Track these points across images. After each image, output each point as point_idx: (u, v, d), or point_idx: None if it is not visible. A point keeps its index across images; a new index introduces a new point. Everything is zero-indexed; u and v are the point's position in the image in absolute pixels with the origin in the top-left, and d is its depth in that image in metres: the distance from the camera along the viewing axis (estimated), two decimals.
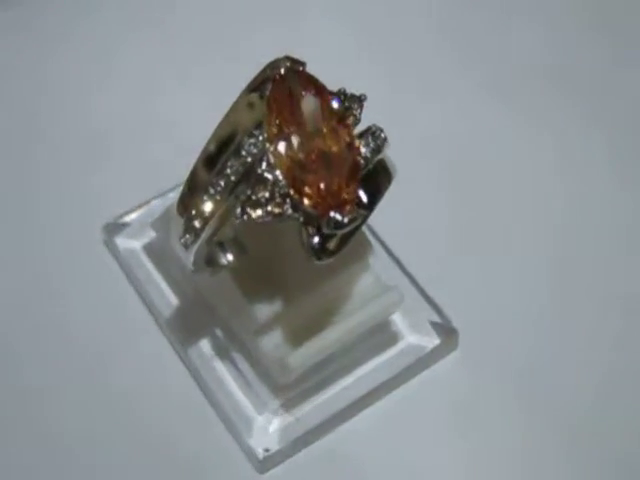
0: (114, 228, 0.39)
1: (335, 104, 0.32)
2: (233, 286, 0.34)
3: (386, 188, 0.33)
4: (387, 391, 0.36)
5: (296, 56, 0.33)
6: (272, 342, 0.34)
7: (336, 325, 0.35)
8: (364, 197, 0.33)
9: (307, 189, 0.31)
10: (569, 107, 0.43)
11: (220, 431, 0.35)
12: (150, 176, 0.40)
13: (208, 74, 0.44)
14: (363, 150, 0.32)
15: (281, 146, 0.31)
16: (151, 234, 0.38)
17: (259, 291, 0.34)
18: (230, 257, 0.34)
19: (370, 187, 0.33)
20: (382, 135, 0.32)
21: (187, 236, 0.32)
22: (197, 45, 0.45)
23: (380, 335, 0.36)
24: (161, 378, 0.36)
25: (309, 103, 0.31)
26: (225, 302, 0.35)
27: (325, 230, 0.31)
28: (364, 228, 0.34)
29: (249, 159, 0.31)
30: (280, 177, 0.31)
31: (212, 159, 0.32)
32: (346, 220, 0.31)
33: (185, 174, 0.33)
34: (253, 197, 0.31)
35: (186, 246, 0.32)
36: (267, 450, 0.34)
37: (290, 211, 0.31)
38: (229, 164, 0.31)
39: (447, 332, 0.37)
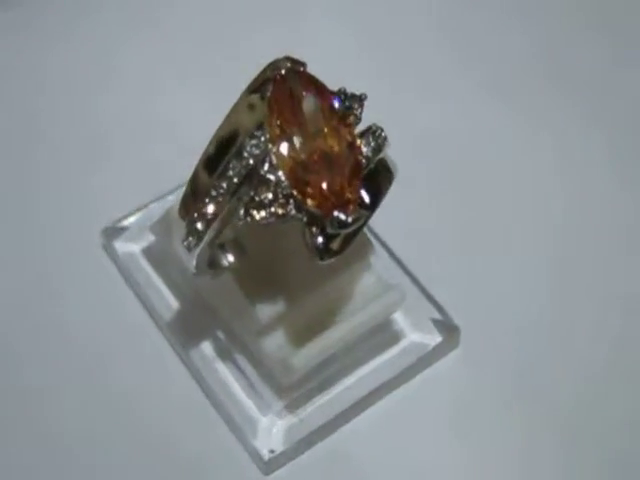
0: (113, 232, 0.39)
1: (336, 104, 0.32)
2: (235, 287, 0.34)
3: (387, 187, 0.33)
4: (389, 390, 0.36)
5: (296, 56, 0.32)
6: (275, 343, 0.34)
7: (338, 325, 0.35)
8: (366, 197, 0.32)
9: (310, 189, 0.31)
10: (569, 107, 0.43)
11: (224, 433, 0.35)
12: (149, 178, 0.40)
13: (208, 74, 0.44)
14: (364, 149, 0.32)
15: (283, 147, 0.31)
16: (150, 238, 0.38)
17: (261, 292, 0.34)
18: (231, 258, 0.34)
19: (372, 186, 0.33)
20: (382, 134, 0.32)
21: (190, 239, 0.32)
22: (197, 45, 0.45)
23: (382, 334, 0.36)
24: (163, 381, 0.36)
25: (310, 103, 0.31)
26: (227, 303, 0.35)
27: (329, 230, 0.31)
28: (364, 228, 0.34)
29: (251, 160, 0.31)
30: (283, 178, 0.31)
31: (213, 161, 0.32)
32: (350, 219, 0.31)
33: (185, 176, 0.33)
34: (256, 198, 0.31)
35: (189, 249, 0.32)
36: (272, 451, 0.34)
37: (294, 212, 0.31)
38: (231, 166, 0.31)
39: (449, 329, 0.37)
